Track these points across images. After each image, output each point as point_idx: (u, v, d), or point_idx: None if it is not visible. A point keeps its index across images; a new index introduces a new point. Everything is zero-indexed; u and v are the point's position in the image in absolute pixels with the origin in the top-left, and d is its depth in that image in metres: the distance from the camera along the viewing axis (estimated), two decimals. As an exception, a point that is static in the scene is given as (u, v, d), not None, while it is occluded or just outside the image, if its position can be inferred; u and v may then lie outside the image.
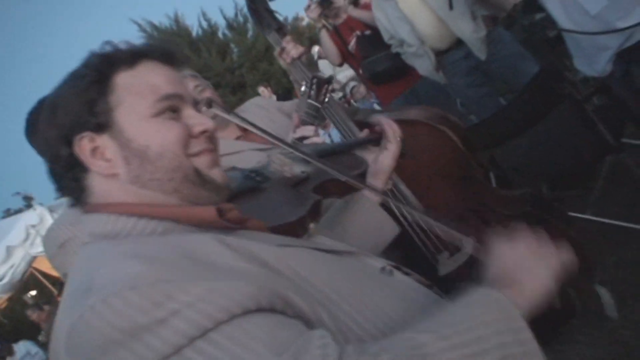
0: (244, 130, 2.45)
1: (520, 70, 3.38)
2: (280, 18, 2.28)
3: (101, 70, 0.94)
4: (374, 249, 1.38)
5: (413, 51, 3.52)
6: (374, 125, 2.13)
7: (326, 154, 1.36)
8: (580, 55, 2.55)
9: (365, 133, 1.63)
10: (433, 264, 2.00)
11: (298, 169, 1.25)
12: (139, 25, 14.12)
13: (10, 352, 8.73)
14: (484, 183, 2.14)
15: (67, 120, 0.93)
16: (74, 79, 0.96)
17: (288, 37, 2.20)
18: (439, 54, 3.54)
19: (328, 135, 5.76)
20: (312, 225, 1.09)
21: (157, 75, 0.98)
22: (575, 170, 2.87)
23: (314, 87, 1.95)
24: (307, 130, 1.93)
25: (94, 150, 0.93)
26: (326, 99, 1.98)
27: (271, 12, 2.27)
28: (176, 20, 14.74)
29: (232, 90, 13.32)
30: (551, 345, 2.29)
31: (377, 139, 1.45)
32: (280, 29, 2.25)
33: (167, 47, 1.04)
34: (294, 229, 1.01)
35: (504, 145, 2.76)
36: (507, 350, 0.75)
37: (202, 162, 0.98)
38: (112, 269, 0.76)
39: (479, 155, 2.74)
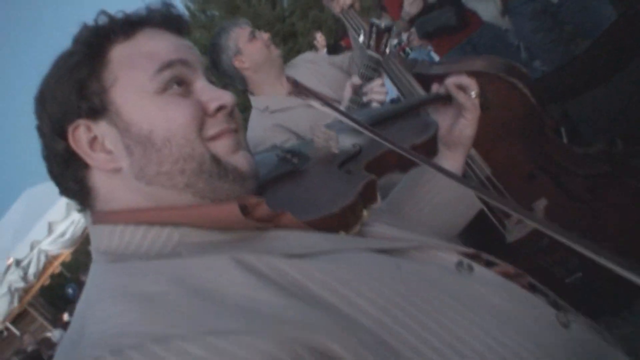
0: (296, 84, 2.32)
1: (593, 11, 3.11)
2: None
3: (93, 44, 0.79)
4: (451, 228, 1.20)
5: (475, -6, 3.28)
6: (439, 76, 1.96)
7: (384, 118, 1.13)
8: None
9: (434, 88, 1.32)
10: (499, 230, 1.85)
11: (348, 142, 1.03)
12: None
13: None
14: (556, 140, 1.96)
15: (56, 108, 0.78)
16: (63, 58, 0.81)
17: None
18: (504, -4, 3.28)
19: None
20: (365, 213, 0.87)
21: (158, 42, 0.82)
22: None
23: (373, 36, 1.78)
24: (376, 86, 1.77)
25: (93, 141, 0.79)
26: (387, 50, 1.81)
27: None
28: (225, -31, 14.50)
29: (283, 39, 13.09)
30: (623, 314, 2.14)
31: (447, 97, 1.21)
32: None
33: (169, 10, 0.87)
34: (342, 221, 0.82)
35: (579, 97, 2.52)
36: None
37: (221, 146, 0.81)
38: (101, 314, 0.64)
39: (550, 108, 2.53)
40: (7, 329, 10.51)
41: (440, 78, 1.90)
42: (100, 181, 0.80)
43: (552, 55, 3.30)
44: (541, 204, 1.88)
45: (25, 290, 9.57)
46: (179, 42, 0.85)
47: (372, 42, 1.75)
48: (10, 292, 9.12)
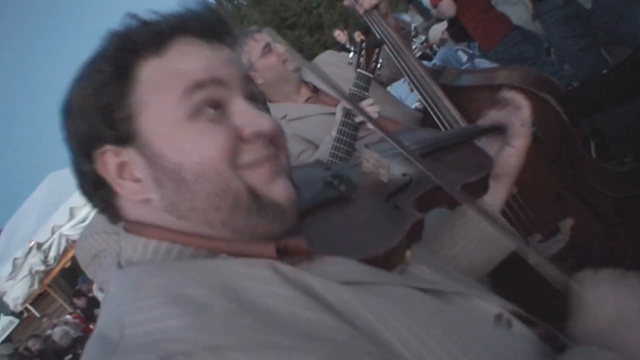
0: (315, 90, 2.20)
1: (627, 18, 3.01)
2: None
3: (119, 62, 0.71)
4: (485, 265, 1.12)
5: (506, -2, 3.20)
6: (464, 88, 1.88)
7: (436, 147, 1.04)
8: None
9: (491, 113, 1.22)
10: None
11: (398, 171, 0.95)
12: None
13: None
14: (587, 159, 1.87)
15: (83, 129, 0.72)
16: (89, 73, 0.73)
17: None
18: (536, 0, 3.19)
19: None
20: (408, 253, 0.80)
21: (190, 57, 0.72)
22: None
23: (362, 52, 1.69)
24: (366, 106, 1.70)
25: (121, 166, 0.72)
26: (378, 66, 1.73)
27: None
28: (253, -42, 14.44)
29: (309, 31, 13.04)
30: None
31: (501, 128, 1.14)
32: None
33: (205, 15, 0.76)
34: (384, 262, 0.76)
35: (610, 111, 2.44)
36: None
37: (257, 176, 0.73)
38: (144, 316, 0.58)
39: (581, 122, 2.44)
40: (27, 310, 10.69)
41: (467, 91, 1.83)
42: (128, 207, 0.75)
43: (584, 63, 3.21)
44: (567, 223, 1.81)
45: (46, 273, 9.73)
46: (215, 56, 0.75)
47: (362, 60, 1.68)
48: (31, 274, 9.29)
